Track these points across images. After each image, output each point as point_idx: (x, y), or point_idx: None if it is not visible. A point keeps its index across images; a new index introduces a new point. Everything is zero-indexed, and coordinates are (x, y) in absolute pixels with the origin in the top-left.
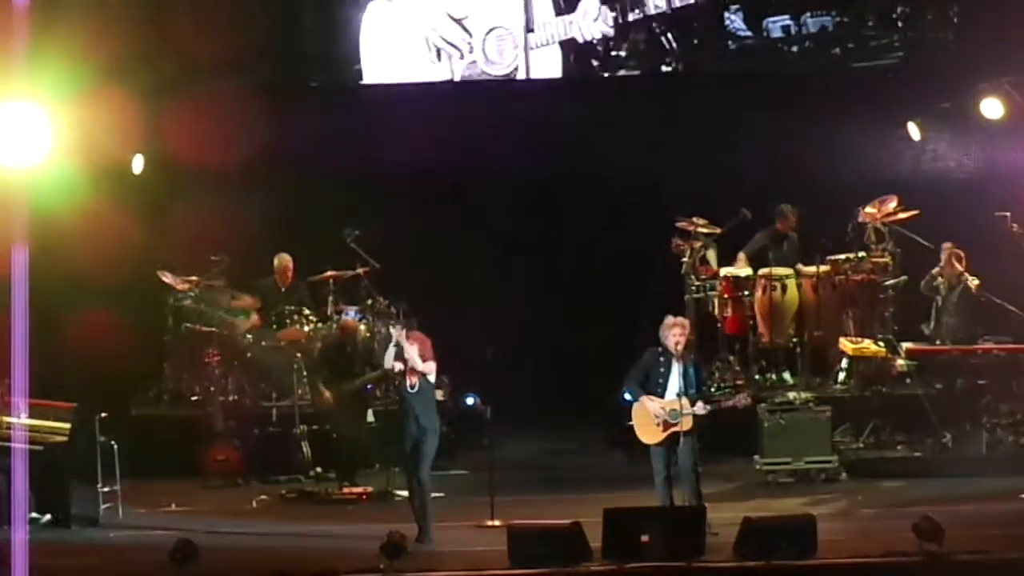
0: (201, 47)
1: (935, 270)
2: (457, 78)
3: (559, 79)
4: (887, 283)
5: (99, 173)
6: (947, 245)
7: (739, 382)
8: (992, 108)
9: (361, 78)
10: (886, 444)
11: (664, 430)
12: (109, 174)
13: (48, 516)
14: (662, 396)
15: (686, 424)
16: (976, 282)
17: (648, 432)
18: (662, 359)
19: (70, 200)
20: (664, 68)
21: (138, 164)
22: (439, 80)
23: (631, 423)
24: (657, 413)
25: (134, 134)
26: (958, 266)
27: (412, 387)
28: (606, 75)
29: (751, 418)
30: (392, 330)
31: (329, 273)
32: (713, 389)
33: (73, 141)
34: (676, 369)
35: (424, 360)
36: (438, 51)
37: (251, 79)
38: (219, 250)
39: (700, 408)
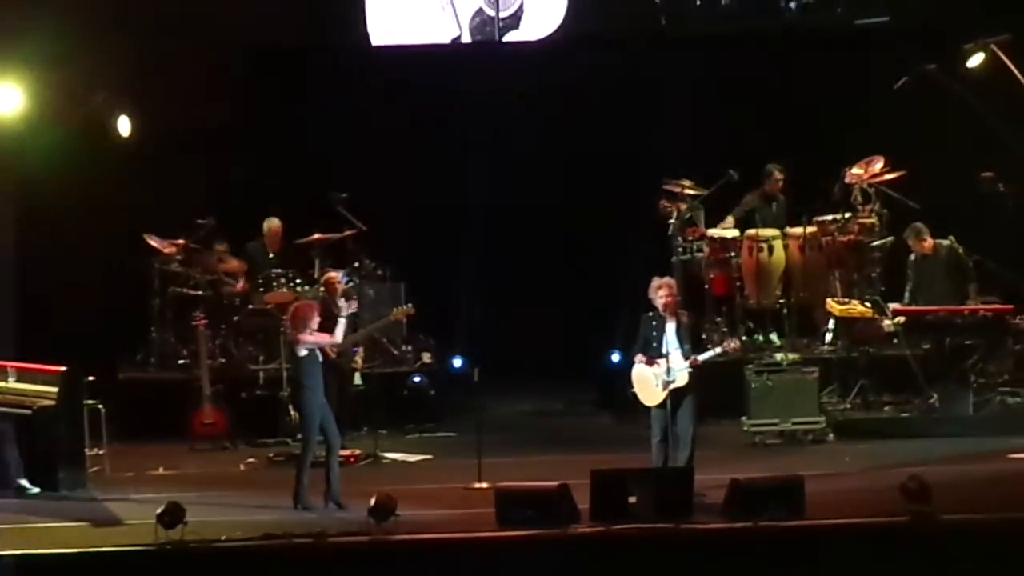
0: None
1: (911, 257)
2: (465, 30)
3: (547, 38)
4: (874, 244)
5: (83, 136)
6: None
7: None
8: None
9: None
10: (873, 405)
11: (663, 390)
12: (94, 137)
13: (37, 490)
14: (660, 357)
15: (681, 380)
16: (946, 242)
17: (649, 394)
18: (654, 322)
19: (55, 164)
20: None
21: (124, 126)
22: (437, 42)
23: (634, 390)
24: (656, 373)
25: (118, 95)
26: (923, 243)
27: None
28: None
29: (738, 379)
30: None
31: (316, 236)
32: None
33: (57, 104)
34: (669, 328)
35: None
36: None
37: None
38: (205, 213)
39: (692, 362)
